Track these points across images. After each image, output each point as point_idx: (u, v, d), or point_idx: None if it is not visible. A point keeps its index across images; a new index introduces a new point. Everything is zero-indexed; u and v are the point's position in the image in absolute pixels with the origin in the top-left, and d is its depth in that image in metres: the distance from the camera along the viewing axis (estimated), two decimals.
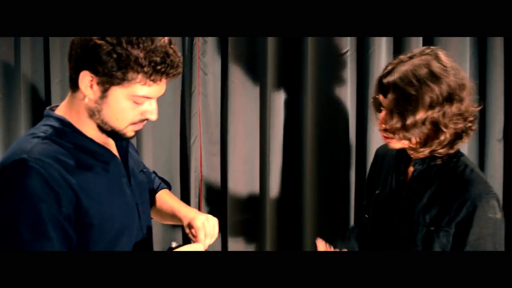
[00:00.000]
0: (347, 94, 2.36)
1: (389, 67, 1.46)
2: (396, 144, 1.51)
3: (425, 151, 1.48)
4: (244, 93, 2.46)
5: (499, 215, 1.43)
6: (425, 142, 1.47)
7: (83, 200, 1.25)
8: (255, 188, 2.51)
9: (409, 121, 1.41)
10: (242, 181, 2.50)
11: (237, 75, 2.44)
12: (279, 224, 2.47)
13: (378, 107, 1.51)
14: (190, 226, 1.52)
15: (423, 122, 1.41)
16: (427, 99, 1.39)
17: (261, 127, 2.48)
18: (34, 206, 1.18)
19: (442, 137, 1.43)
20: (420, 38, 2.26)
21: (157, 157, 2.51)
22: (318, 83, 2.37)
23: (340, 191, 2.42)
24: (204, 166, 2.52)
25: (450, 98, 1.41)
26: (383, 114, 1.49)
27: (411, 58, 1.45)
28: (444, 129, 1.42)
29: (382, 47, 2.28)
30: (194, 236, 1.50)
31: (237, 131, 2.47)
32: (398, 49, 2.29)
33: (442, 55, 1.45)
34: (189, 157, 2.49)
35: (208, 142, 2.51)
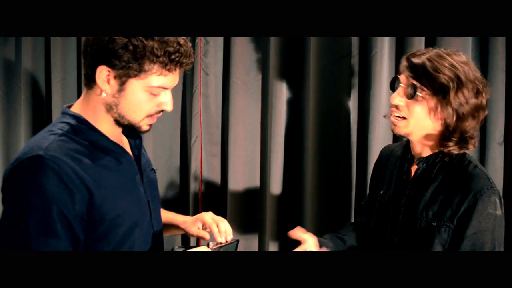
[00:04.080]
0: (350, 96, 2.36)
1: (419, 51, 1.48)
2: (404, 128, 1.50)
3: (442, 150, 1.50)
4: (245, 94, 2.45)
5: (499, 211, 1.45)
6: (443, 136, 1.48)
7: (96, 197, 1.27)
8: (256, 189, 2.50)
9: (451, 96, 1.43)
10: (243, 182, 2.49)
11: (238, 75, 2.44)
12: (280, 226, 2.46)
13: (413, 92, 1.47)
14: (192, 229, 1.58)
15: (466, 102, 1.44)
16: (462, 76, 1.42)
17: (262, 128, 2.47)
18: (46, 204, 1.20)
19: (462, 134, 1.47)
20: (423, 39, 2.27)
21: (157, 157, 2.49)
22: (320, 85, 2.37)
23: (341, 193, 2.42)
24: (205, 167, 2.51)
25: (477, 91, 1.45)
26: (402, 92, 1.48)
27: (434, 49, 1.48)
28: (467, 124, 1.45)
29: (384, 49, 2.30)
30: (204, 235, 1.55)
31: (238, 132, 2.46)
32: (400, 51, 2.30)
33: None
34: (189, 158, 2.48)
35: (208, 143, 2.51)
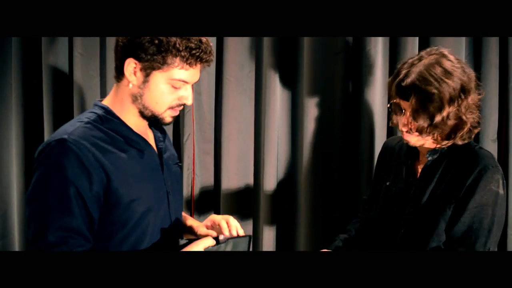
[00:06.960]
0: (343, 93, 2.36)
1: (403, 71, 1.53)
2: (418, 141, 1.58)
3: (448, 143, 1.57)
4: (238, 91, 2.44)
5: (502, 191, 1.52)
6: (448, 135, 1.55)
7: (113, 181, 1.39)
8: (249, 187, 2.49)
9: (437, 118, 1.49)
10: (236, 180, 2.48)
11: (231, 72, 2.42)
12: (273, 223, 2.46)
13: (400, 111, 1.56)
14: (201, 229, 1.61)
15: (448, 117, 1.50)
16: (447, 95, 1.48)
17: (256, 126, 2.46)
18: (64, 183, 1.33)
19: (465, 128, 1.53)
20: (416, 38, 2.27)
21: None
22: (313, 81, 2.36)
23: (335, 188, 2.41)
24: (197, 165, 2.49)
25: (464, 90, 1.50)
26: (405, 116, 1.54)
27: (420, 59, 1.53)
28: (466, 120, 1.51)
29: (378, 46, 2.29)
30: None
31: (231, 130, 2.45)
32: (394, 48, 2.31)
33: (447, 52, 1.55)
34: (182, 155, 2.46)
35: (201, 140, 2.49)
